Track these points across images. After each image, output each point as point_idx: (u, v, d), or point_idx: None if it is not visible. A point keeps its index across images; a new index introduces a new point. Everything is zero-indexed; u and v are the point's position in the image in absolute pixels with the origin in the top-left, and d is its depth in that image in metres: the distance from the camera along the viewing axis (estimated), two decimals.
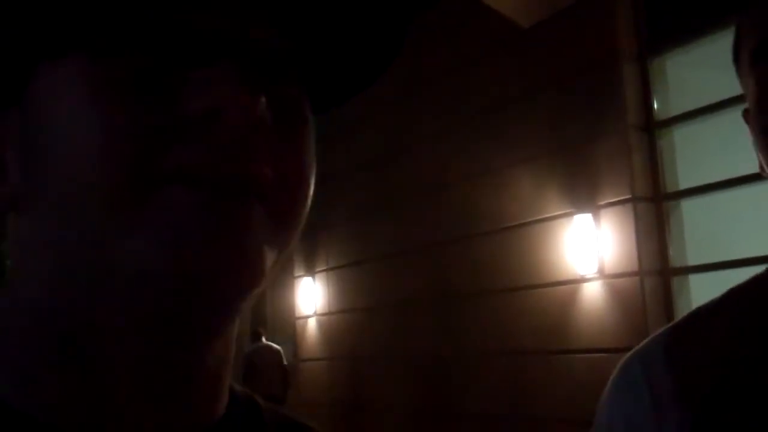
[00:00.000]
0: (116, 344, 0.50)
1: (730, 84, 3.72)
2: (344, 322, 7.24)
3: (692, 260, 4.46)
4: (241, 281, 0.48)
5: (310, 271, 7.75)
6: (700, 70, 4.62)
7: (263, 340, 8.18)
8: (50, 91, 0.48)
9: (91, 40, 0.48)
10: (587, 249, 4.62)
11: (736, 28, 0.90)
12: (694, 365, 0.90)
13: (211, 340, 0.53)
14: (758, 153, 0.91)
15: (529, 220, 5.11)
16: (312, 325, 7.78)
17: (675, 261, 4.47)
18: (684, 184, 4.51)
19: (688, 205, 4.54)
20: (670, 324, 0.99)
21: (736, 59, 0.91)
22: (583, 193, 4.72)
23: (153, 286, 0.47)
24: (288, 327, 8.29)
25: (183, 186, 0.46)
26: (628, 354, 1.00)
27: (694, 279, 4.44)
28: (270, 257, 0.50)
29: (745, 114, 0.95)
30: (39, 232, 0.50)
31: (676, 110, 4.56)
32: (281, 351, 8.06)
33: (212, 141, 0.47)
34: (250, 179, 0.48)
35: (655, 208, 4.53)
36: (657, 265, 4.47)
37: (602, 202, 4.61)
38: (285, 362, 8.06)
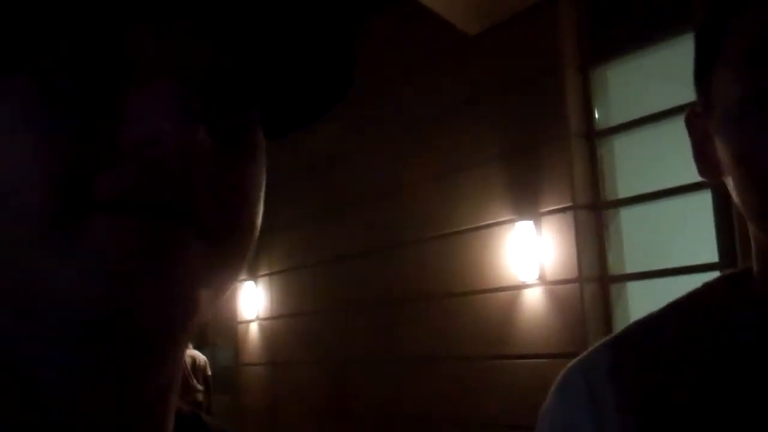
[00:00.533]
0: (50, 375, 0.48)
1: (669, 95, 3.80)
2: (287, 326, 7.20)
3: (630, 268, 4.53)
4: (171, 317, 0.46)
5: (253, 275, 7.70)
6: (641, 81, 4.70)
7: (189, 347, 8.08)
8: None
9: (31, 59, 0.46)
10: (528, 255, 4.66)
11: (713, 22, 0.87)
12: (636, 377, 0.92)
13: (147, 371, 0.51)
14: (697, 158, 0.92)
15: (472, 226, 5.15)
16: (254, 329, 7.73)
17: (614, 268, 4.53)
18: (623, 192, 4.58)
19: (627, 214, 4.61)
20: (612, 336, 1.01)
21: (705, 56, 0.88)
22: (525, 201, 4.77)
23: (80, 318, 0.45)
24: (229, 331, 8.23)
25: (114, 213, 0.44)
26: (569, 364, 1.00)
27: (632, 286, 4.51)
28: (206, 291, 0.48)
29: (692, 115, 0.94)
30: None
31: (616, 120, 4.63)
32: (206, 360, 7.97)
33: (148, 169, 0.44)
34: (186, 208, 0.46)
35: (595, 216, 4.59)
36: (596, 273, 4.53)
37: (544, 210, 4.66)
38: (209, 372, 7.96)
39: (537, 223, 4.67)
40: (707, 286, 0.98)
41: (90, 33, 0.46)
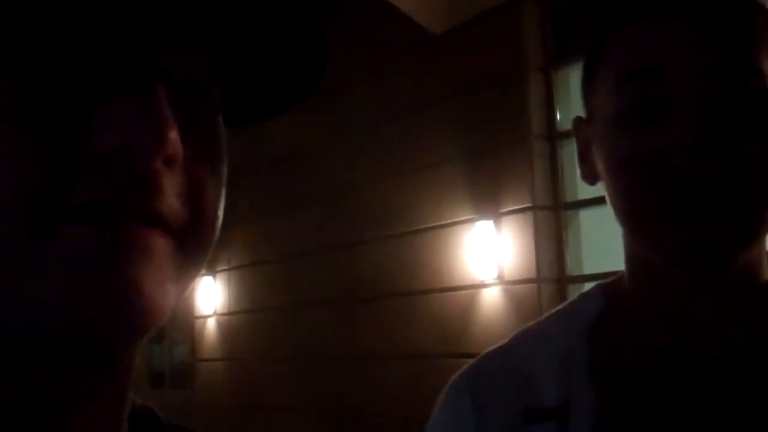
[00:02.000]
0: (5, 380, 0.47)
1: None
2: (244, 322, 7.17)
3: (588, 269, 4.57)
4: (140, 322, 0.46)
5: (211, 270, 7.65)
6: None
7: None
8: None
9: (3, 59, 0.45)
10: (487, 255, 4.68)
11: (597, 44, 0.96)
12: (514, 384, 0.99)
13: (106, 372, 0.51)
14: (580, 162, 1.01)
15: (433, 225, 5.16)
16: (211, 324, 7.68)
17: (572, 269, 4.56)
18: (583, 194, 4.61)
19: (586, 216, 4.64)
20: (498, 344, 1.09)
21: (590, 73, 0.96)
22: (485, 200, 4.78)
23: (46, 327, 0.44)
24: (186, 326, 8.17)
25: (84, 223, 0.44)
26: (457, 373, 1.08)
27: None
28: (174, 293, 0.49)
29: (578, 123, 1.02)
30: None
31: None
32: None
33: (119, 177, 0.44)
34: (158, 215, 0.46)
35: (554, 217, 4.62)
36: (554, 273, 4.56)
37: (504, 210, 4.68)
38: None
39: (497, 223, 4.69)
40: (582, 296, 1.08)
41: (65, 36, 0.45)
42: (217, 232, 0.54)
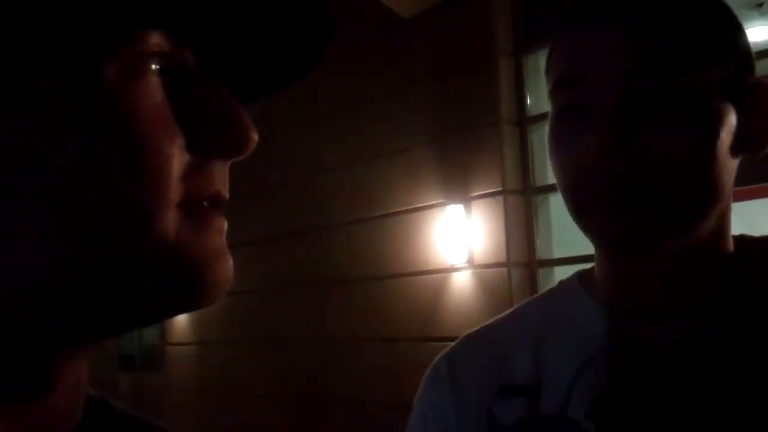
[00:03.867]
0: None
1: None
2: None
3: (558, 253, 4.60)
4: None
5: None
6: None
7: None
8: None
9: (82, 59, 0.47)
10: (458, 239, 4.69)
11: (550, 46, 1.05)
12: (489, 363, 1.08)
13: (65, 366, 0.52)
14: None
15: (403, 209, 5.16)
16: None
17: (542, 253, 4.59)
18: (553, 179, 4.62)
19: (556, 200, 4.66)
20: (479, 326, 1.18)
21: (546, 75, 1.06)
22: (455, 185, 4.79)
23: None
24: None
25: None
26: (438, 356, 1.19)
27: (559, 271, 4.58)
28: None
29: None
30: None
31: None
32: None
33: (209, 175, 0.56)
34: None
35: (524, 201, 4.64)
36: (524, 257, 4.58)
37: (474, 194, 4.69)
38: None
39: (467, 207, 4.70)
40: (560, 282, 1.14)
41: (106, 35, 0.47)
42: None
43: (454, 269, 4.76)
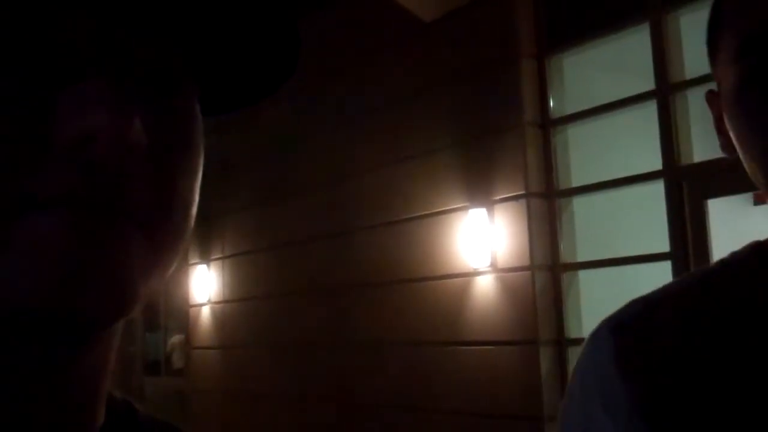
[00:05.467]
0: None
1: (624, 85, 3.85)
2: (238, 310, 7.17)
3: (582, 256, 4.57)
4: (109, 309, 0.46)
5: (205, 258, 7.65)
6: (596, 71, 4.73)
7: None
8: None
9: None
10: (481, 243, 4.68)
11: (714, 12, 0.93)
12: (663, 340, 0.92)
13: (78, 359, 0.51)
14: (719, 134, 0.96)
15: (425, 212, 5.15)
16: (206, 313, 7.67)
17: (565, 257, 4.56)
18: (576, 181, 4.61)
19: (579, 203, 4.64)
20: (615, 323, 0.98)
21: (712, 43, 0.94)
22: (478, 188, 4.78)
23: (13, 313, 0.44)
24: (181, 314, 8.17)
25: (51, 211, 0.43)
26: (602, 321, 0.98)
27: (583, 275, 4.55)
28: (144, 283, 0.48)
29: (710, 96, 0.99)
30: None
31: (571, 109, 4.65)
32: None
33: (83, 166, 0.44)
34: (123, 203, 0.46)
35: (547, 205, 4.62)
36: (548, 261, 4.55)
37: (497, 197, 4.67)
38: None
39: (490, 211, 4.68)
40: (734, 255, 0.99)
41: (21, 20, 0.44)
42: (192, 220, 0.53)
43: (478, 273, 4.74)
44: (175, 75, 0.51)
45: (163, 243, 0.50)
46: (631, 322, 0.96)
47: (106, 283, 0.45)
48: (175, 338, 8.53)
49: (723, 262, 0.98)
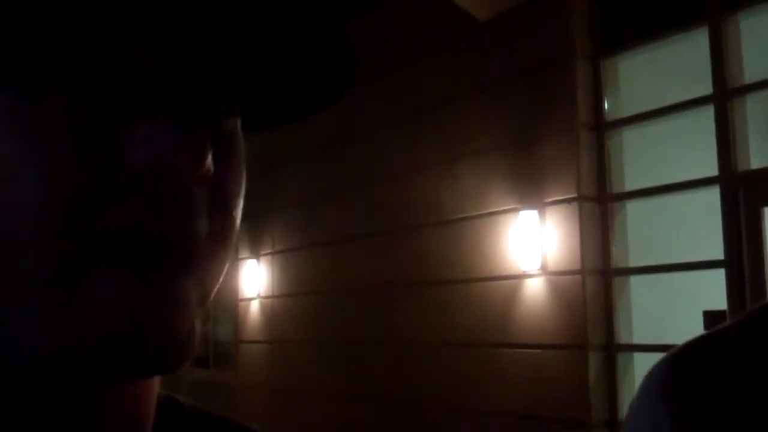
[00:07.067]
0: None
1: (679, 88, 3.79)
2: (287, 306, 7.21)
3: (634, 262, 4.51)
4: (176, 361, 0.45)
5: (255, 253, 7.70)
6: (651, 74, 4.67)
7: None
8: None
9: (25, 73, 0.41)
10: (531, 245, 4.64)
11: None
12: (698, 412, 0.83)
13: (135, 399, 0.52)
14: None
15: (476, 213, 5.13)
16: (254, 307, 7.73)
17: (617, 261, 4.51)
18: (630, 185, 4.55)
19: (632, 207, 4.58)
20: (670, 360, 0.89)
21: None
22: (529, 190, 4.75)
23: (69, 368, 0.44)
24: (230, 308, 8.24)
25: (115, 263, 0.42)
26: (664, 359, 0.89)
27: (635, 280, 4.50)
28: (199, 323, 0.47)
29: None
30: None
31: (626, 112, 4.60)
32: None
33: (155, 197, 0.42)
34: (189, 237, 0.44)
35: (600, 208, 4.57)
36: (599, 265, 4.51)
37: (548, 200, 4.64)
38: None
39: (541, 213, 4.65)
40: None
41: (84, 46, 0.42)
42: (232, 249, 0.51)
43: (527, 275, 4.71)
44: (226, 96, 0.49)
45: (211, 273, 0.48)
46: (689, 362, 0.88)
47: (172, 336, 0.44)
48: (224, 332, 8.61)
49: None
